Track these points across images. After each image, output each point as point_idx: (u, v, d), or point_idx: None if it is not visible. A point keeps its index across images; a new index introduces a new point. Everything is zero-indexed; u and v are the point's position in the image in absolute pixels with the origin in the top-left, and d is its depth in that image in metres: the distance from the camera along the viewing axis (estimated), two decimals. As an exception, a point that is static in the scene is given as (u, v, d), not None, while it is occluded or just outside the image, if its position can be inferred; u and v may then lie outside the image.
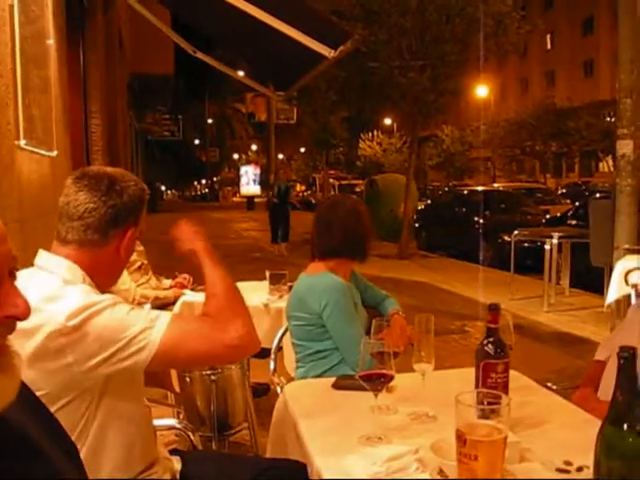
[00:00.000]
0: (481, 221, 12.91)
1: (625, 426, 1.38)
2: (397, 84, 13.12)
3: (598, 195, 11.80)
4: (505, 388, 1.87)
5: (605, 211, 7.65)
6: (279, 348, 3.17)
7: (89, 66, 7.85)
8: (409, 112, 14.44)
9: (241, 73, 9.88)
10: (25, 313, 1.03)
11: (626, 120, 7.72)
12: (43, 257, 1.80)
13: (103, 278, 1.84)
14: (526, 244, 9.89)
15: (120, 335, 1.64)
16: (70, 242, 1.80)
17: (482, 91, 35.08)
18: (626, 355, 1.36)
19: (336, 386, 2.36)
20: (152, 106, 22.23)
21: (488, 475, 1.22)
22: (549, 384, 2.67)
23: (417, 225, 15.56)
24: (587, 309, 7.96)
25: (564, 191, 24.97)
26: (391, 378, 1.90)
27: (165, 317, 1.71)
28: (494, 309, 1.87)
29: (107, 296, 1.72)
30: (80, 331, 1.61)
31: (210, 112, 52.34)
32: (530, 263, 9.63)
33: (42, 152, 4.25)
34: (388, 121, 41.32)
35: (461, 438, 1.22)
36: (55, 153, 4.65)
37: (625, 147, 7.67)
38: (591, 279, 8.24)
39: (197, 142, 54.81)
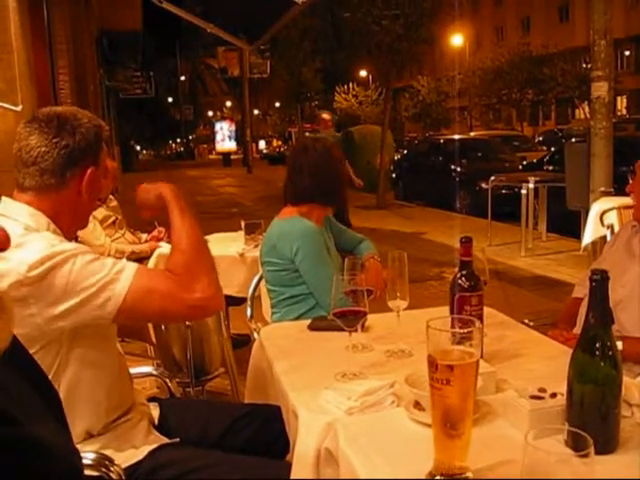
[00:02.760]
0: (458, 169, 12.91)
1: (596, 351, 1.37)
2: (370, 33, 12.97)
3: (574, 140, 11.82)
4: (479, 321, 1.86)
5: (580, 155, 7.66)
6: (256, 296, 3.16)
7: (54, 21, 7.64)
8: (383, 62, 14.30)
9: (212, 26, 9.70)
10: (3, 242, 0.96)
11: (600, 62, 7.68)
12: (4, 204, 1.75)
13: (68, 222, 1.79)
14: (503, 191, 9.92)
15: (83, 285, 1.59)
16: (29, 189, 1.74)
17: (457, 40, 34.80)
18: (597, 278, 1.35)
19: (312, 327, 2.35)
20: (123, 63, 21.80)
21: (461, 399, 1.21)
22: (526, 321, 2.68)
23: (394, 175, 15.52)
24: (564, 252, 8.02)
25: (541, 138, 25.02)
26: (364, 314, 1.89)
27: (130, 270, 1.64)
28: (466, 242, 1.85)
29: (71, 246, 1.66)
30: (43, 281, 1.56)
31: (182, 69, 51.59)
32: (508, 209, 9.66)
33: (6, 106, 4.14)
34: (364, 73, 40.96)
35: (433, 363, 1.21)
36: (20, 108, 4.54)
37: (600, 89, 7.64)
38: (568, 223, 8.29)
39: (170, 100, 54.05)
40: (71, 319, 1.60)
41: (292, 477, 1.62)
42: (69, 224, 1.80)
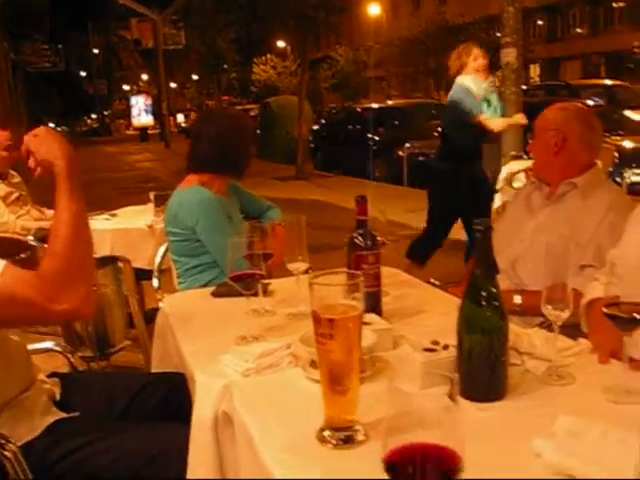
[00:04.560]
0: (375, 138, 12.97)
1: (482, 301, 1.39)
2: (286, 2, 12.84)
3: (486, 106, 12.00)
4: (377, 279, 1.88)
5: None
6: (168, 268, 3.11)
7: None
8: (300, 32, 14.19)
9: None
10: None
11: (509, 28, 7.81)
12: None
13: None
14: (420, 158, 10.02)
15: None
16: None
17: (374, 9, 34.85)
18: (480, 229, 1.37)
19: (215, 294, 2.33)
20: (29, 36, 20.96)
21: (345, 354, 1.21)
22: (432, 280, 2.72)
23: (313, 146, 15.50)
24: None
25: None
26: (261, 277, 1.87)
27: None
28: (361, 201, 1.85)
29: None
30: None
31: (96, 42, 50.00)
32: (425, 176, 9.76)
33: None
34: (282, 44, 40.61)
35: (316, 319, 1.20)
36: None
37: (509, 55, 7.78)
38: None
39: (84, 74, 52.44)
40: None
41: (191, 441, 1.60)
42: None
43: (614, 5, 37.56)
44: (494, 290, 1.39)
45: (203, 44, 21.54)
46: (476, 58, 5.33)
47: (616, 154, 7.31)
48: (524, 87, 17.85)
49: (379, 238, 1.96)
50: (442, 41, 35.50)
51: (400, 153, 10.06)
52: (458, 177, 5.32)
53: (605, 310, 1.45)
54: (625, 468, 1.12)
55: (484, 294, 1.38)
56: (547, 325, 1.90)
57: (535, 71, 41.17)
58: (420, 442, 0.88)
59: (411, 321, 1.95)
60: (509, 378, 1.49)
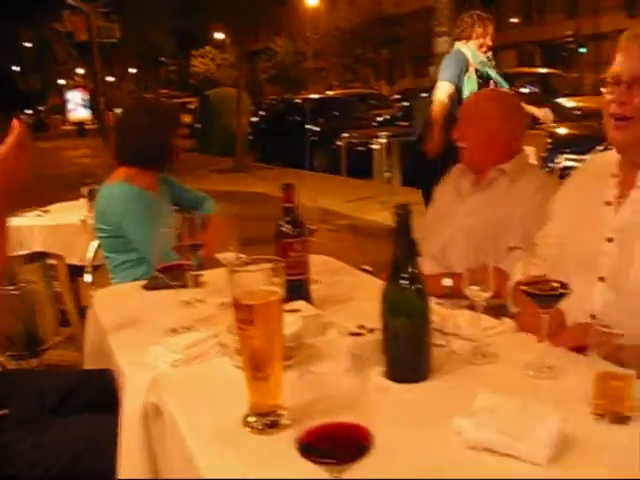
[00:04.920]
0: (315, 129, 12.98)
1: (404, 283, 1.41)
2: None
3: (423, 94, 12.13)
4: (304, 266, 1.89)
5: (425, 108, 7.88)
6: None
7: None
8: (237, 23, 14.10)
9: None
10: None
11: (443, 18, 7.93)
12: None
13: None
14: (359, 148, 10.06)
15: None
16: None
17: (312, 0, 34.82)
18: (400, 212, 1.38)
19: (147, 287, 2.31)
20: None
21: (266, 340, 1.21)
22: (365, 266, 2.74)
23: (252, 138, 15.42)
24: (419, 204, 8.25)
25: (399, 96, 25.52)
26: (189, 267, 1.86)
27: None
28: (287, 188, 1.86)
29: None
30: None
31: (27, 36, 48.70)
32: (364, 166, 9.82)
33: None
34: (221, 36, 40.24)
35: (236, 305, 1.20)
36: None
37: (442, 44, 7.88)
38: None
39: (16, 69, 51.09)
40: None
41: (121, 434, 1.59)
42: None
43: (547, -5, 38.37)
44: (415, 272, 1.41)
45: (139, 37, 21.18)
46: (486, 35, 5.17)
47: (549, 140, 7.46)
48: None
49: (310, 226, 1.97)
50: (379, 32, 35.74)
51: (339, 144, 10.08)
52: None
53: (524, 288, 1.49)
54: (542, 441, 1.16)
55: (405, 277, 1.40)
56: (479, 305, 1.95)
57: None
58: (332, 422, 0.89)
59: (341, 307, 1.96)
60: (434, 359, 1.52)
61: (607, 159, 1.94)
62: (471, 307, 1.96)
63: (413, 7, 36.08)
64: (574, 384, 1.39)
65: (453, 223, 2.54)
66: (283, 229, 1.85)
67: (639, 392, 1.31)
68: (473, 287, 1.57)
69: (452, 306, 1.98)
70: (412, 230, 1.40)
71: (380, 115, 14.11)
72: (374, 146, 8.14)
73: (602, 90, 1.77)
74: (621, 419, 1.28)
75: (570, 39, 34.06)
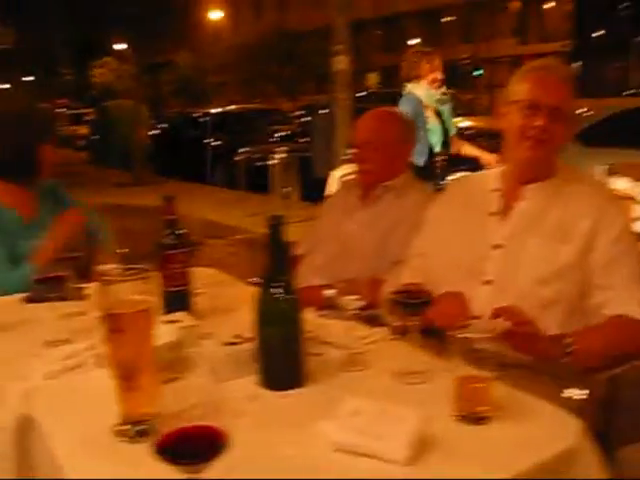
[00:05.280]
0: (215, 143, 12.93)
1: (276, 293, 1.45)
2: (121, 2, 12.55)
3: (322, 111, 12.31)
4: (185, 278, 1.90)
5: (326, 125, 8.04)
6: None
7: None
8: (140, 35, 13.92)
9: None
10: None
11: (340, 37, 8.08)
12: None
13: None
14: (259, 163, 10.09)
15: None
16: None
17: (216, 14, 34.81)
18: (273, 223, 1.43)
19: (29, 299, 2.25)
20: None
21: (136, 348, 1.23)
22: (253, 279, 2.76)
23: (152, 151, 15.17)
24: (315, 219, 8.35)
25: (301, 112, 25.72)
26: (67, 279, 1.84)
27: None
28: (168, 200, 1.87)
29: None
30: None
31: None
32: (264, 181, 9.86)
33: None
34: (123, 46, 39.56)
35: (106, 315, 1.21)
36: None
37: (340, 63, 8.04)
38: (320, 190, 8.62)
39: None
40: None
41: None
42: None
43: (445, 19, 39.71)
44: (288, 282, 1.46)
45: (35, 43, 20.55)
46: (435, 70, 4.94)
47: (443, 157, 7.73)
48: (363, 93, 18.49)
49: (194, 238, 1.98)
50: (283, 48, 36.00)
51: (237, 158, 10.07)
52: None
53: (392, 297, 1.56)
54: (402, 440, 1.22)
55: (278, 286, 1.44)
56: (357, 315, 2.02)
57: (374, 79, 42.69)
58: (189, 425, 0.92)
59: (223, 318, 1.98)
60: (309, 367, 1.57)
61: (482, 177, 2.17)
62: (353, 318, 2.03)
63: (316, 25, 36.58)
64: (439, 388, 1.46)
65: (340, 237, 2.60)
66: (164, 241, 1.85)
67: (498, 393, 1.40)
68: (346, 297, 1.62)
69: (335, 316, 2.04)
70: (285, 240, 1.44)
71: (280, 131, 14.18)
72: (271, 161, 8.19)
73: (505, 112, 1.97)
74: (481, 420, 1.36)
75: (467, 61, 35.39)
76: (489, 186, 2.05)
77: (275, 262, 1.44)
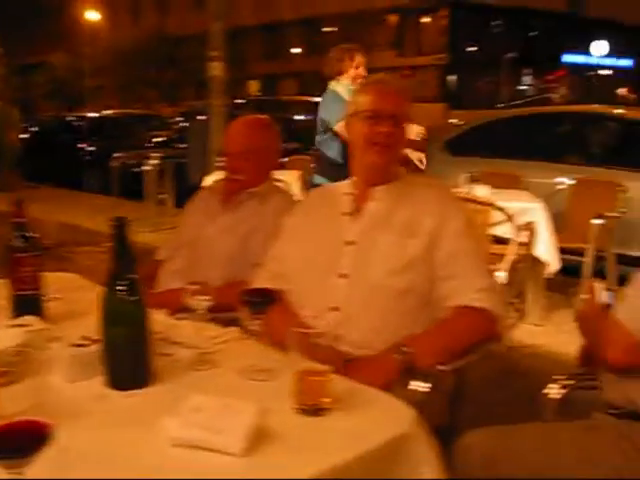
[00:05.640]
0: (90, 148, 12.60)
1: (121, 293, 1.47)
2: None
3: (200, 117, 12.24)
4: (36, 281, 1.88)
5: (202, 131, 8.01)
6: None
7: None
8: (11, 34, 13.35)
9: None
10: None
11: (215, 43, 8.09)
12: None
13: None
14: (134, 169, 9.91)
15: None
16: None
17: (93, 16, 33.92)
18: (116, 224, 1.44)
19: None
20: None
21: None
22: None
23: (22, 155, 14.58)
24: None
25: (181, 118, 25.41)
26: None
27: None
28: (17, 203, 1.84)
29: None
30: None
31: None
32: (139, 188, 9.68)
33: None
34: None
35: None
36: None
37: (215, 69, 8.05)
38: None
39: None
40: None
41: None
42: None
43: (326, 29, 40.36)
44: (133, 283, 1.47)
45: None
46: (358, 66, 4.82)
47: (313, 165, 7.87)
48: (242, 100, 18.50)
49: (45, 242, 1.96)
50: (163, 52, 35.46)
51: (112, 164, 9.86)
52: None
53: (240, 297, 1.61)
54: (238, 433, 1.27)
55: (122, 287, 1.46)
56: (210, 317, 2.05)
57: (255, 86, 42.80)
58: (10, 421, 0.92)
59: (75, 322, 1.96)
60: (158, 367, 1.59)
61: (336, 185, 2.28)
62: (211, 319, 2.07)
63: (196, 29, 36.26)
64: (285, 384, 1.52)
65: (201, 241, 2.62)
66: (13, 244, 1.82)
67: (338, 386, 1.47)
68: (196, 297, 1.66)
69: (188, 318, 2.06)
70: (129, 241, 1.46)
71: (158, 136, 13.99)
72: (145, 167, 8.07)
73: (349, 124, 2.13)
74: (319, 411, 1.42)
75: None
76: (342, 190, 2.18)
77: (119, 263, 1.45)
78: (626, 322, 1.59)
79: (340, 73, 4.82)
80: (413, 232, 1.99)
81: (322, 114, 4.92)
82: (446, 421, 2.22)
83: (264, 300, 1.59)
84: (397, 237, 2.00)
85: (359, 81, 4.64)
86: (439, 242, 1.98)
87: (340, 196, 2.16)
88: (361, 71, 4.83)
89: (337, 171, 4.23)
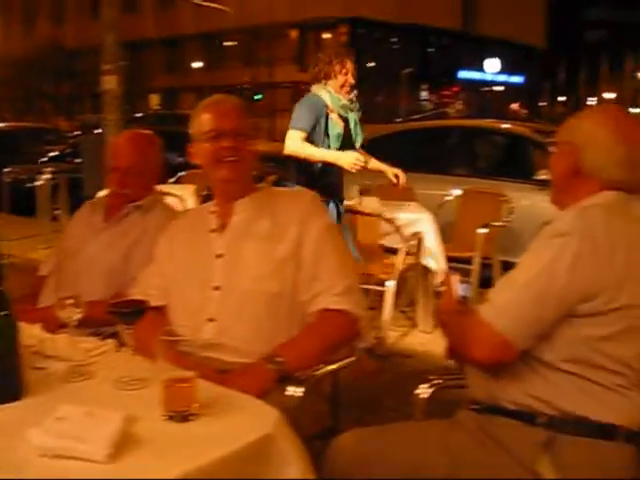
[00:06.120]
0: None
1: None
2: None
3: (96, 131, 11.99)
4: None
5: (96, 145, 7.86)
6: None
7: None
8: None
9: None
10: None
11: (109, 56, 7.97)
12: None
13: None
14: (27, 185, 9.63)
15: None
16: None
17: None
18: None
19: None
20: None
21: None
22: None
23: None
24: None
25: (79, 132, 24.77)
26: None
27: None
28: None
29: None
30: None
31: None
32: (33, 203, 9.42)
33: None
34: None
35: None
36: None
37: (109, 82, 7.92)
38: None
39: None
40: None
41: None
42: None
43: (227, 44, 40.38)
44: (1, 298, 1.48)
45: None
46: (347, 73, 4.48)
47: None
48: (141, 114, 18.26)
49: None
50: (59, 64, 34.57)
51: (3, 179, 9.56)
52: None
53: (110, 308, 1.64)
54: (102, 441, 1.30)
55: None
56: (94, 332, 2.07)
57: (155, 100, 42.28)
58: None
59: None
60: (31, 380, 1.60)
61: (204, 205, 2.40)
62: (92, 333, 2.08)
63: (92, 42, 35.50)
64: (155, 392, 1.55)
65: (83, 257, 2.61)
66: None
67: (205, 393, 1.52)
68: (66, 310, 1.68)
69: (64, 332, 2.06)
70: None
71: (53, 150, 13.61)
72: (38, 182, 7.88)
73: (194, 148, 2.21)
74: (188, 417, 1.46)
75: (247, 86, 36.16)
76: (208, 210, 2.26)
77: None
78: (492, 320, 1.67)
79: (328, 77, 4.50)
80: (279, 238, 2.09)
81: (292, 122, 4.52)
82: (329, 424, 2.31)
83: (132, 311, 1.62)
84: (262, 244, 2.09)
85: (346, 89, 4.52)
86: (303, 247, 2.08)
87: (207, 215, 2.24)
88: (350, 78, 4.55)
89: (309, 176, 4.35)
